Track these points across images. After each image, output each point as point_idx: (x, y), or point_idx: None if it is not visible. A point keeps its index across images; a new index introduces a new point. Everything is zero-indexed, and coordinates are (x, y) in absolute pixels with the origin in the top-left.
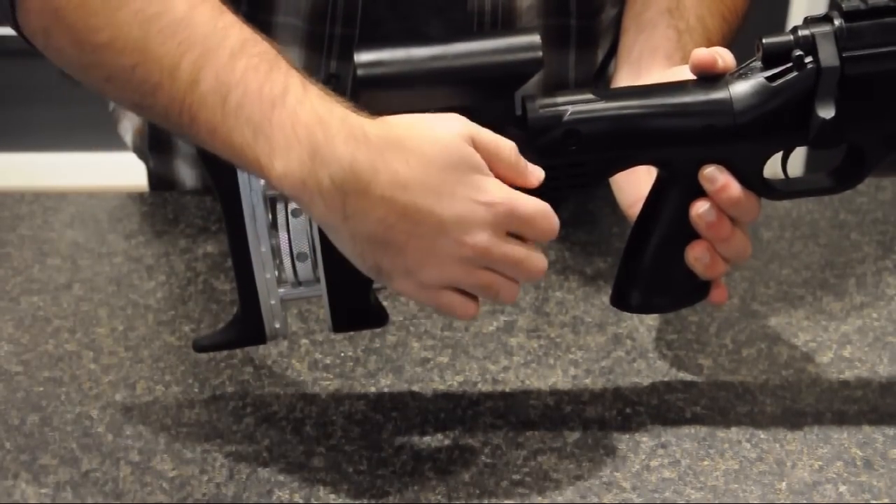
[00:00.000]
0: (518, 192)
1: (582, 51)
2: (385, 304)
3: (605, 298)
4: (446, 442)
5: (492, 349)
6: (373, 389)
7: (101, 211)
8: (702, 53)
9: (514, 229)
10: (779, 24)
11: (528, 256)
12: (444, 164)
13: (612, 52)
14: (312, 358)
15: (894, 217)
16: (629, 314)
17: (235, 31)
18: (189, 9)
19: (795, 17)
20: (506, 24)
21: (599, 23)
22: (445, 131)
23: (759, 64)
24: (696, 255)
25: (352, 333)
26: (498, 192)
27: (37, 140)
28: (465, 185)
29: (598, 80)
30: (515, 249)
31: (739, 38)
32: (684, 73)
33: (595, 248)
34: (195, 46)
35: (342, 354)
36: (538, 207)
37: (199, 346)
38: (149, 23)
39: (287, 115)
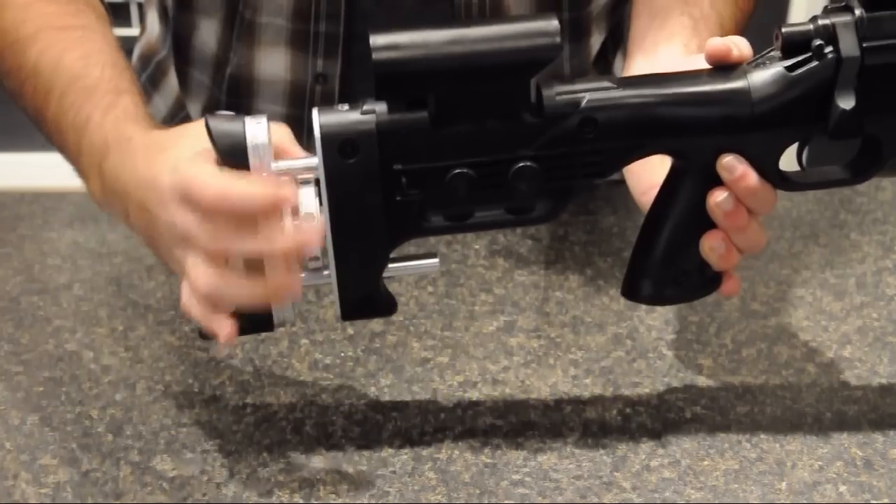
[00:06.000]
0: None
1: (574, 43)
2: None
3: (606, 298)
4: (446, 442)
5: (492, 349)
6: (373, 389)
7: (101, 211)
8: (717, 43)
9: (194, 206)
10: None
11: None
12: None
13: (610, 40)
14: (312, 358)
15: (894, 217)
16: (629, 314)
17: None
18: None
19: (795, 15)
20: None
21: (590, 13)
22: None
23: (777, 53)
24: (712, 245)
25: (352, 335)
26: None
27: (37, 140)
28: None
29: (597, 68)
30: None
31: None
32: (702, 62)
33: (595, 248)
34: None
35: (342, 354)
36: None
37: (206, 335)
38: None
39: (86, 139)
